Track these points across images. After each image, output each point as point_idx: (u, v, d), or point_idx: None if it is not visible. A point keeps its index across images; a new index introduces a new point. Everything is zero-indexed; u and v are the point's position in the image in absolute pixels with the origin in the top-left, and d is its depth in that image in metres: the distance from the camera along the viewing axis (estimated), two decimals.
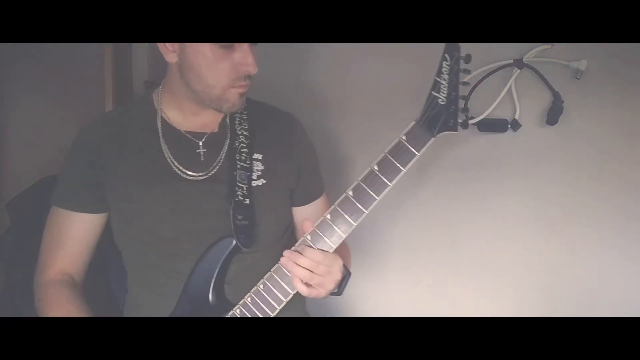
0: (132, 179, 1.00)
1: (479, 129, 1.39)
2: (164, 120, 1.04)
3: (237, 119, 1.07)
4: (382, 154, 0.92)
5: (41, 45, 1.56)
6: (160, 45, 0.96)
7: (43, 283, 1.02)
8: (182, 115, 1.04)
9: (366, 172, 0.92)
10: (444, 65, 0.91)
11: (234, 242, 0.97)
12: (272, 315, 0.96)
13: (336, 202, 0.93)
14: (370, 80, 1.50)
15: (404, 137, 0.92)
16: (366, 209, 0.92)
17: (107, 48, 1.54)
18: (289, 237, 1.12)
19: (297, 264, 0.92)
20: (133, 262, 1.05)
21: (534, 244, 1.39)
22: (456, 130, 0.92)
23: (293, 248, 0.94)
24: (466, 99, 1.36)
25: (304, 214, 1.12)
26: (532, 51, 1.32)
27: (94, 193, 1.02)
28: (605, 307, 1.32)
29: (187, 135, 1.04)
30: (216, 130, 1.06)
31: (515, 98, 1.36)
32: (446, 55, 0.91)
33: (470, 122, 1.37)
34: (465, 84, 0.93)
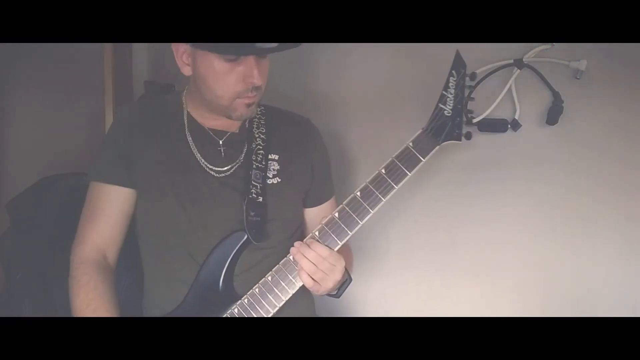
0: (158, 163, 1.06)
1: (479, 129, 1.39)
2: (189, 115, 1.11)
3: (255, 123, 1.13)
4: (390, 159, 0.99)
5: (41, 45, 1.56)
6: (177, 59, 1.04)
7: (78, 260, 1.05)
8: (204, 115, 1.10)
9: (374, 175, 0.99)
10: (451, 80, 0.99)
11: (246, 236, 1.03)
12: (278, 306, 1.00)
13: (344, 202, 0.99)
14: (374, 80, 1.50)
15: (411, 144, 0.99)
16: (372, 209, 0.98)
17: (107, 48, 1.54)
18: (298, 237, 1.14)
19: (304, 255, 0.97)
20: (151, 244, 1.10)
21: (533, 243, 1.39)
22: (460, 140, 1.01)
23: (304, 240, 0.99)
24: (467, 99, 1.37)
25: (314, 215, 1.18)
26: (532, 51, 1.32)
27: (127, 169, 1.07)
28: (605, 307, 1.32)
29: (209, 132, 1.10)
30: (237, 131, 1.12)
31: (515, 98, 1.36)
32: (453, 71, 1.00)
33: (470, 122, 1.37)
34: (471, 99, 1.02)
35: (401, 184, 0.98)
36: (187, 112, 1.11)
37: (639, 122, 1.28)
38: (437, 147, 0.99)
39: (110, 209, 1.08)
